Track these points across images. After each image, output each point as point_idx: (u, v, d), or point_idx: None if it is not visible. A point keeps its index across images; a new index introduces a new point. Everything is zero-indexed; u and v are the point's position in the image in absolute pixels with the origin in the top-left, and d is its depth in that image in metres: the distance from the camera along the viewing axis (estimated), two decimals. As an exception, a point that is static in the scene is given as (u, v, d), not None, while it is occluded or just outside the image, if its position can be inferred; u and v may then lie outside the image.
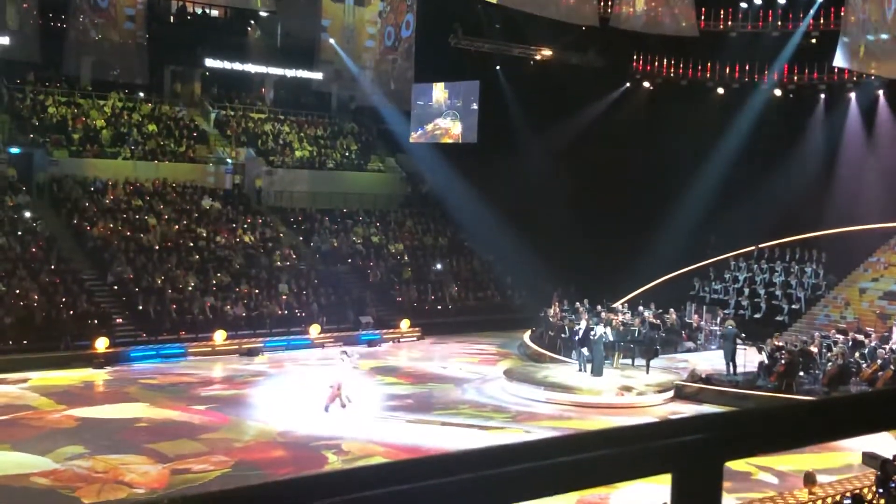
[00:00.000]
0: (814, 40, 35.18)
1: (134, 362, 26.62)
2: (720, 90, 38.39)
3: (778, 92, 37.14)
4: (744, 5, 36.85)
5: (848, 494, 12.92)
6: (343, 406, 20.72)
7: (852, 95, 36.27)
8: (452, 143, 39.61)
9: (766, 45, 36.54)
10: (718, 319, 30.55)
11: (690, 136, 37.10)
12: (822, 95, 36.68)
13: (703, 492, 1.39)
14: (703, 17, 36.36)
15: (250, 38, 42.60)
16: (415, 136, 41.00)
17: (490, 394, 23.85)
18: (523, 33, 38.12)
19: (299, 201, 38.86)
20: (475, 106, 38.68)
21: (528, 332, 31.24)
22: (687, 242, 33.91)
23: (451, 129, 39.90)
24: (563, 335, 28.33)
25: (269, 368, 26.76)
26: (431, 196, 41.94)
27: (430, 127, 40.18)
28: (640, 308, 30.12)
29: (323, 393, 21.04)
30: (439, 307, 35.15)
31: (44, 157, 34.39)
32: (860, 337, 25.38)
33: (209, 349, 28.30)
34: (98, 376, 25.09)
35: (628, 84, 40.12)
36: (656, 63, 39.56)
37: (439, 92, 40.50)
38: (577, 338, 25.79)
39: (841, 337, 25.58)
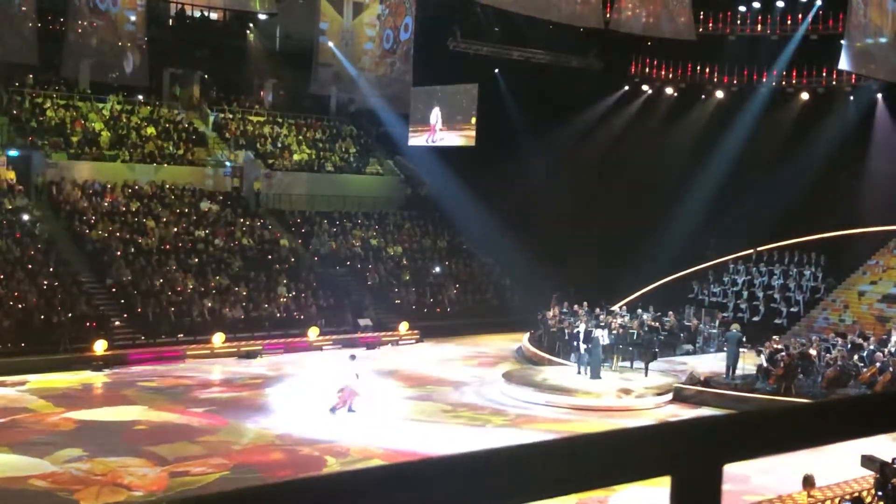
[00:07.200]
0: (812, 43, 35.22)
1: (133, 365, 26.59)
2: (719, 93, 38.45)
3: (776, 95, 37.17)
4: (742, 9, 36.90)
5: (847, 497, 12.94)
6: (351, 410, 20.86)
7: (851, 98, 36.33)
8: (451, 146, 39.64)
9: (765, 48, 36.60)
10: (717, 322, 30.60)
11: (689, 139, 37.18)
12: (821, 98, 36.71)
13: (703, 494, 1.38)
14: (701, 21, 36.45)
15: (249, 41, 42.63)
16: (413, 139, 41.04)
17: (489, 396, 23.85)
18: (522, 36, 38.15)
19: (298, 204, 38.84)
20: (474, 109, 38.72)
21: (527, 335, 31.24)
22: (685, 245, 33.95)
23: (449, 131, 39.93)
24: (562, 337, 28.35)
25: (267, 371, 26.75)
26: (430, 199, 41.93)
27: (428, 129, 40.23)
28: (639, 311, 30.14)
29: (330, 396, 21.15)
30: (438, 310, 35.15)
31: (42, 159, 34.37)
32: (859, 340, 25.39)
33: (208, 352, 28.29)
34: (97, 379, 25.07)
35: (627, 87, 40.17)
36: (655, 66, 39.60)
37: (438, 95, 40.54)
38: (576, 342, 25.81)
39: (840, 340, 25.59)
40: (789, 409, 1.47)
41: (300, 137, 42.26)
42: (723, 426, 1.45)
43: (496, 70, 40.23)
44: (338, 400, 20.95)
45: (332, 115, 44.39)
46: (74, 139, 36.00)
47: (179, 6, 40.39)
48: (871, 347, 24.40)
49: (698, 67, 38.52)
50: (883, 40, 30.88)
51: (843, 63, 31.25)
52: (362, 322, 31.83)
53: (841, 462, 15.42)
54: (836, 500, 13.60)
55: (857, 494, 13.08)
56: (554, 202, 36.54)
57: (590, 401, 22.74)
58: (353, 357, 22.44)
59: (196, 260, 32.27)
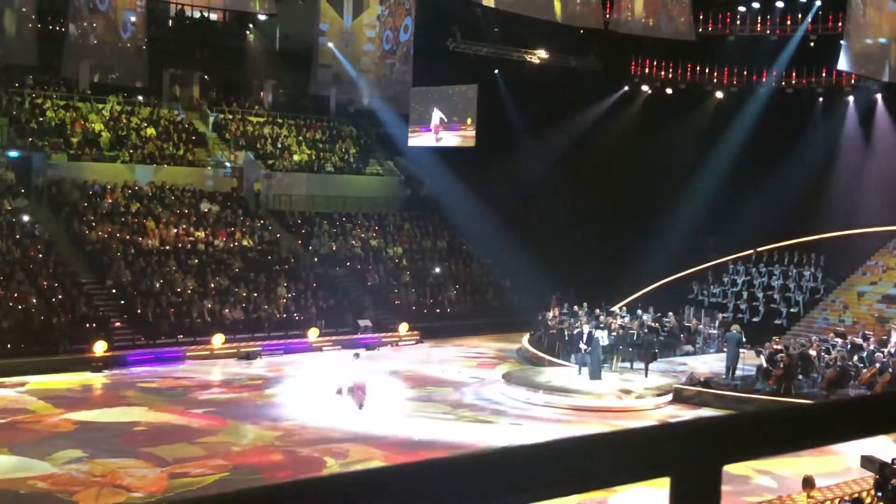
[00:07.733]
0: (812, 44, 35.24)
1: (132, 366, 26.59)
2: (718, 94, 38.44)
3: (776, 95, 37.14)
4: (742, 9, 36.88)
5: (847, 498, 12.94)
6: (360, 407, 20.97)
7: (850, 99, 36.31)
8: (451, 146, 39.64)
9: (764, 48, 36.58)
10: (716, 323, 30.59)
11: (689, 140, 37.17)
12: (820, 99, 36.72)
13: (702, 495, 1.38)
14: (701, 21, 36.44)
15: (249, 42, 42.63)
16: (413, 140, 41.04)
17: (489, 397, 23.86)
18: (522, 37, 38.12)
19: (298, 205, 38.85)
20: (473, 109, 38.67)
21: (527, 336, 31.23)
22: (685, 246, 33.95)
23: (449, 132, 39.94)
24: (562, 338, 28.35)
25: (267, 372, 26.75)
26: (430, 199, 41.95)
27: (428, 130, 40.23)
28: (639, 311, 30.12)
29: (330, 397, 21.27)
30: (438, 310, 35.15)
31: (42, 160, 34.37)
32: (858, 340, 25.36)
33: (207, 353, 28.29)
34: (96, 380, 25.08)
35: (627, 88, 40.18)
36: (655, 67, 39.60)
37: (437, 96, 40.54)
38: (579, 342, 25.81)
39: (839, 340, 25.56)
40: (789, 409, 1.46)
41: (300, 138, 42.26)
42: (723, 427, 1.45)
43: (496, 70, 40.23)
44: (356, 400, 21.11)
45: (332, 116, 44.39)
46: (74, 140, 35.99)
47: (179, 6, 40.39)
48: (871, 348, 24.38)
49: (698, 67, 38.50)
50: (883, 40, 30.87)
51: (843, 63, 31.26)
52: (362, 323, 31.82)
53: (840, 463, 15.44)
54: (836, 501, 13.59)
55: (856, 495, 13.07)
56: (554, 202, 36.54)
57: (590, 401, 22.73)
58: (357, 356, 22.60)
59: (196, 261, 32.26)
